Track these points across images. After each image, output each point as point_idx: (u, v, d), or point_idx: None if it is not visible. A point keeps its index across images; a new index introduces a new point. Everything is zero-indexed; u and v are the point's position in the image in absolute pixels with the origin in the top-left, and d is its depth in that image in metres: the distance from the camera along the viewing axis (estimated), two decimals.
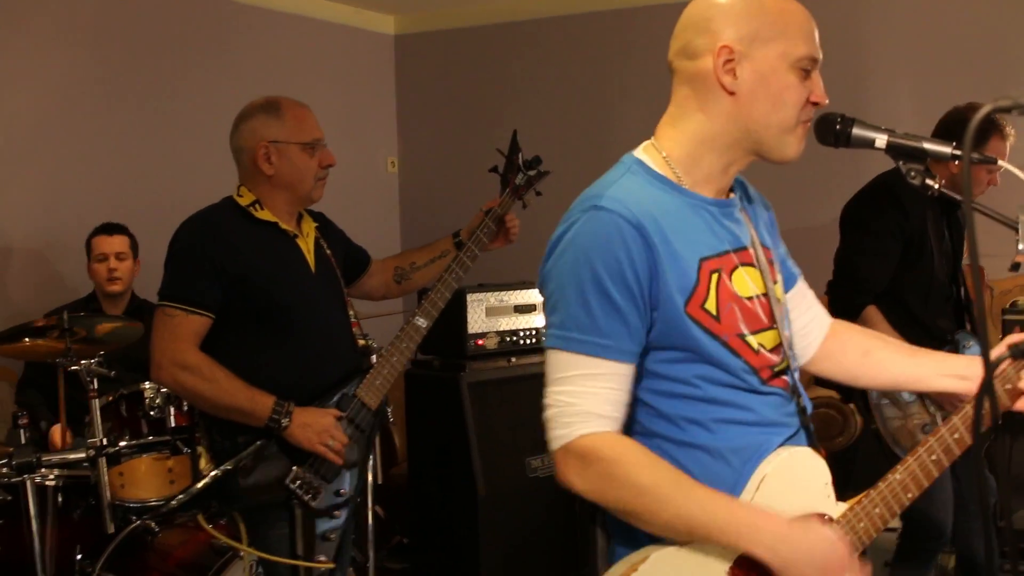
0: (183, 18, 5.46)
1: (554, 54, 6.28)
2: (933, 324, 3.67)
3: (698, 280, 1.74)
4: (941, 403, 3.47)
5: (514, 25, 6.38)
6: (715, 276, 1.77)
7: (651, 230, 1.70)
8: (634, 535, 1.75)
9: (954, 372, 2.00)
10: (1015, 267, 1.67)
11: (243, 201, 3.00)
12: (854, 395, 3.73)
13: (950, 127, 3.59)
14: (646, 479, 1.67)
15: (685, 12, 1.83)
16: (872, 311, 3.57)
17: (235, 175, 3.11)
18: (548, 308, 1.77)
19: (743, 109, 1.77)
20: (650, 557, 1.70)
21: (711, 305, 1.75)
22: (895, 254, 3.62)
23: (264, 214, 2.99)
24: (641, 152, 1.85)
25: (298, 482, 2.88)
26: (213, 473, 2.89)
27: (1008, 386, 1.82)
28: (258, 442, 2.87)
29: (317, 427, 2.88)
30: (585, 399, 1.70)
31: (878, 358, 2.09)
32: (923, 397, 3.52)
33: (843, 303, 3.60)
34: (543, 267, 1.79)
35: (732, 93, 1.76)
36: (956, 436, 1.80)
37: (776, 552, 1.65)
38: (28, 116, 4.77)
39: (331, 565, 2.96)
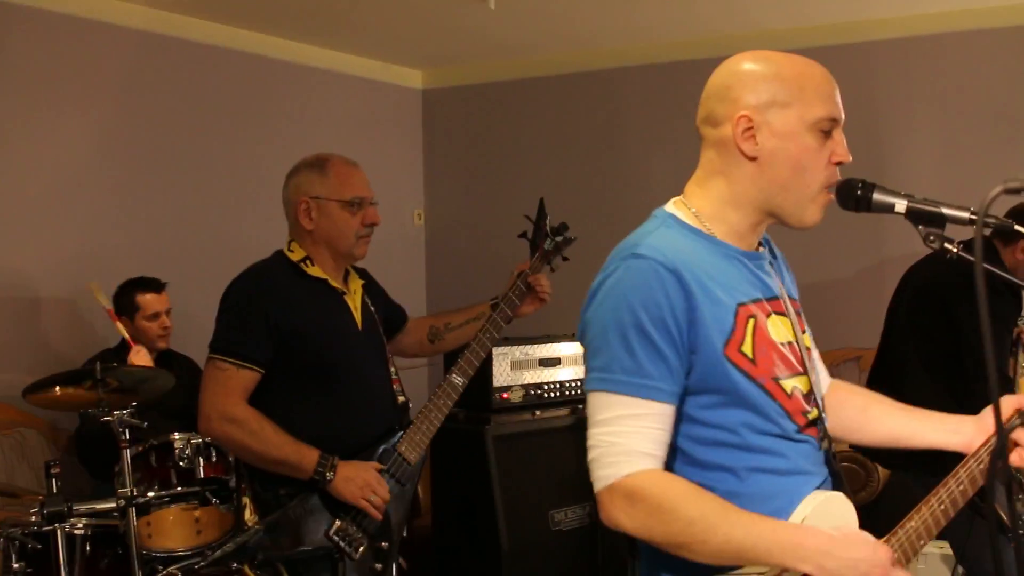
0: (214, 73, 5.56)
1: (580, 109, 6.34)
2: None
3: (735, 324, 1.79)
4: None
5: (541, 80, 6.45)
6: (751, 321, 1.82)
7: (688, 276, 1.75)
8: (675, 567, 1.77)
9: (948, 428, 2.07)
10: None
11: (294, 257, 3.06)
12: (879, 454, 3.71)
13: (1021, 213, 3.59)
14: (693, 510, 1.69)
15: (709, 81, 1.89)
16: None
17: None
18: (590, 353, 1.80)
19: (765, 174, 1.82)
20: None
21: (747, 348, 1.79)
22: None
23: (315, 271, 3.05)
24: (672, 207, 1.91)
25: (340, 534, 2.93)
26: (256, 527, 2.93)
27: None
28: (301, 495, 2.92)
29: (360, 481, 2.92)
30: (629, 438, 1.72)
31: (874, 413, 2.17)
32: None
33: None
34: (584, 314, 1.83)
35: (753, 159, 1.82)
36: (961, 488, 1.89)
37: (822, 567, 1.68)
38: (62, 168, 4.86)
39: None
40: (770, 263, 1.97)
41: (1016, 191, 1.13)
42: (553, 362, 4.76)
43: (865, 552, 1.72)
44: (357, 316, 3.13)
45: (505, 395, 4.58)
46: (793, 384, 1.85)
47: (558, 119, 6.42)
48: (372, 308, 3.22)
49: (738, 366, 1.77)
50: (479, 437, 4.44)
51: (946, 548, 4.29)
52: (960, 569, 4.00)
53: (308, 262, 3.05)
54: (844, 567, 1.69)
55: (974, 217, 1.76)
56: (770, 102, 1.80)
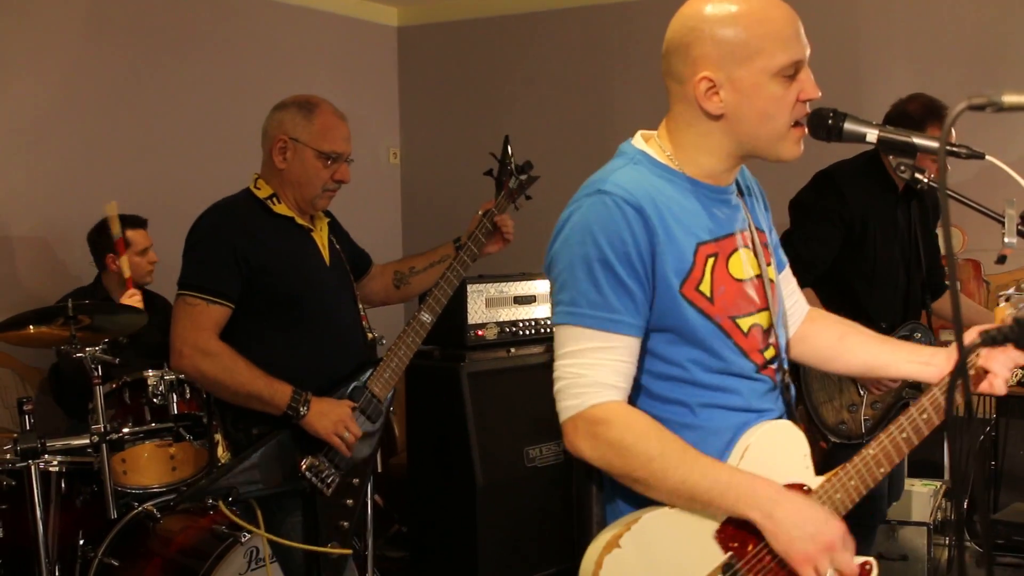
0: (187, 8, 5.48)
1: (556, 47, 6.29)
2: (875, 309, 3.68)
3: (694, 263, 1.81)
4: (869, 388, 3.59)
5: (517, 17, 6.40)
6: (711, 260, 1.83)
7: (651, 213, 1.77)
8: (626, 502, 1.82)
9: (920, 359, 2.05)
10: (1001, 260, 1.71)
11: (261, 194, 3.04)
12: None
13: (893, 120, 3.58)
14: (654, 448, 1.73)
15: (668, 31, 1.86)
16: (808, 292, 3.60)
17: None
18: (557, 287, 1.82)
19: (732, 128, 1.82)
20: (642, 518, 1.76)
21: (705, 287, 1.82)
22: (835, 238, 3.68)
23: (281, 208, 3.03)
24: (643, 143, 1.91)
25: (313, 471, 2.94)
26: (230, 463, 2.92)
27: (971, 371, 1.88)
28: (273, 432, 2.91)
29: (333, 416, 2.92)
30: (596, 370, 1.76)
31: (850, 343, 2.16)
32: (856, 381, 3.61)
33: None
34: (550, 249, 1.85)
35: (719, 116, 1.81)
36: (924, 416, 1.86)
37: (770, 516, 1.71)
38: (32, 104, 4.80)
39: (347, 552, 3.01)
40: (739, 194, 1.97)
41: (980, 107, 1.12)
42: (528, 299, 4.76)
43: (816, 514, 1.74)
44: (324, 253, 3.11)
45: (480, 332, 4.58)
46: (753, 322, 1.88)
47: (536, 57, 6.37)
48: (338, 246, 3.21)
49: (694, 304, 1.80)
50: (454, 374, 4.45)
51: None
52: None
53: (275, 199, 3.03)
54: (791, 521, 1.71)
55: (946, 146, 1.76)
56: (730, 57, 1.77)
